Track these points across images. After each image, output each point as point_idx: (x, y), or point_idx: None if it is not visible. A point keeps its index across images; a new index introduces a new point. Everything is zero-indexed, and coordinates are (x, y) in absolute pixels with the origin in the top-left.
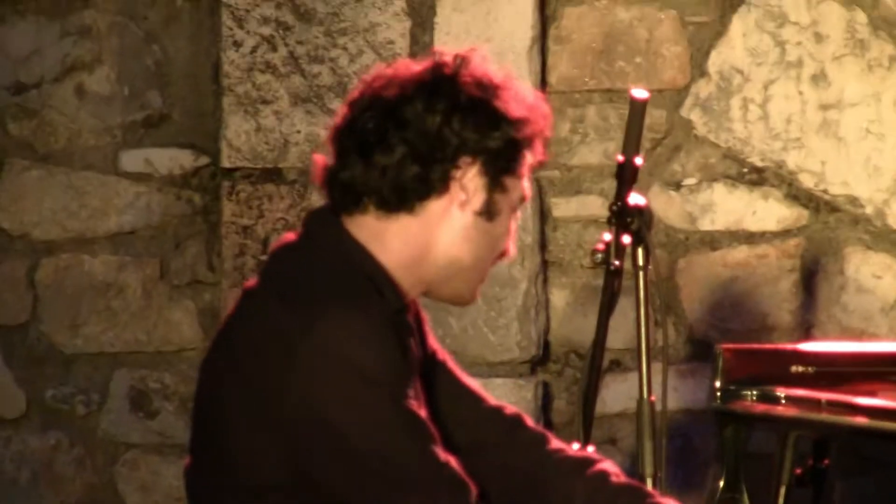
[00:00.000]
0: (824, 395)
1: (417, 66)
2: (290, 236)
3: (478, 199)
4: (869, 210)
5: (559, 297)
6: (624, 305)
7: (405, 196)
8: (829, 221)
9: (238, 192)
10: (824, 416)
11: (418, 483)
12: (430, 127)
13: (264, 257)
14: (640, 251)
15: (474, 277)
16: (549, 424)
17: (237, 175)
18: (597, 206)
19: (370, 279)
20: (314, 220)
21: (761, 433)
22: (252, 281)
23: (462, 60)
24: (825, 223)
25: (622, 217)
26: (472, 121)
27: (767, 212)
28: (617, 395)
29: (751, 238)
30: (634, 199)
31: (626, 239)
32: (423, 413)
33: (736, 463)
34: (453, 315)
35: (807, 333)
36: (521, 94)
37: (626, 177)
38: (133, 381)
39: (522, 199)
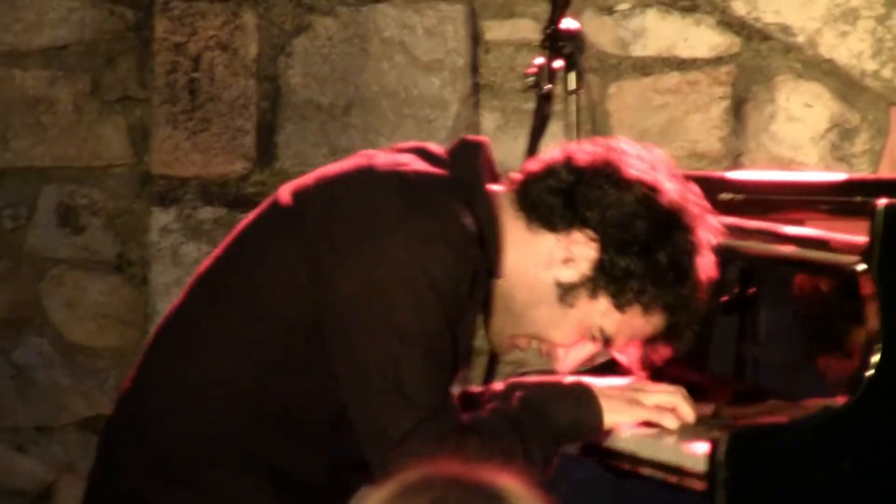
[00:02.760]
0: (752, 224)
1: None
2: (433, 146)
3: (567, 275)
4: (801, 39)
5: (490, 120)
6: (554, 129)
7: (532, 209)
8: (761, 50)
9: (171, 9)
10: (752, 245)
11: (414, 402)
12: (605, 192)
13: (195, 75)
14: (571, 76)
15: (508, 329)
16: None
17: None
18: (529, 29)
19: (482, 233)
20: (465, 149)
21: None
22: (376, 154)
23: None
24: (757, 51)
25: (555, 41)
26: (632, 224)
27: (699, 38)
28: None
29: (682, 64)
30: (567, 23)
31: (558, 63)
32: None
33: None
34: (383, 135)
35: (736, 161)
36: (700, 285)
37: (559, 1)
38: (61, 197)
39: (603, 339)
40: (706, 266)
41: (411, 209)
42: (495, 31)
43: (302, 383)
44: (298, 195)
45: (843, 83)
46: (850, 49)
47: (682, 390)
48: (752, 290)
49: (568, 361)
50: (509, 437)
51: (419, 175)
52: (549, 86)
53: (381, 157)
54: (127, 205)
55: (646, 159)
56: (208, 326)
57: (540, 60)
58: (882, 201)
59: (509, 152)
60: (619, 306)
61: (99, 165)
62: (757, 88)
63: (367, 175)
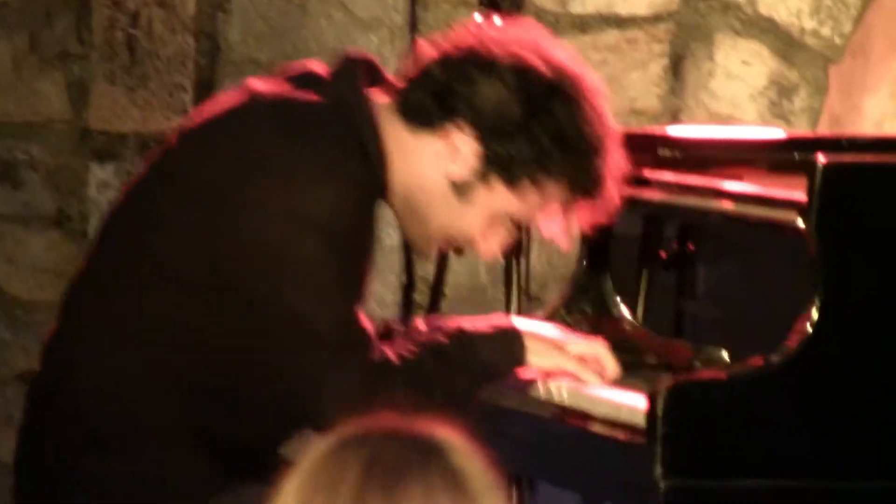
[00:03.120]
0: (691, 180)
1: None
2: (316, 66)
3: (457, 171)
4: None
5: None
6: None
7: (409, 112)
8: (700, 7)
9: None
10: (690, 201)
11: (329, 341)
12: (477, 84)
13: (133, 31)
14: None
15: (422, 231)
16: None
17: None
18: None
19: (365, 150)
20: (345, 67)
21: (627, 216)
22: (261, 86)
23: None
24: (695, 9)
25: None
26: (505, 110)
27: None
28: None
29: (621, 22)
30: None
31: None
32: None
33: (600, 246)
34: None
35: (675, 118)
36: (608, 153)
37: None
38: (0, 152)
39: (515, 220)
40: (597, 124)
41: (294, 148)
42: None
43: (222, 344)
44: (185, 138)
45: (781, 41)
46: (788, 7)
47: (604, 343)
48: (690, 247)
49: (490, 248)
50: (435, 368)
51: (299, 107)
52: None
53: (261, 90)
54: (66, 160)
55: (520, 35)
56: (125, 286)
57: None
58: (822, 158)
59: None
60: (514, 189)
61: (38, 121)
62: (695, 46)
63: (247, 114)
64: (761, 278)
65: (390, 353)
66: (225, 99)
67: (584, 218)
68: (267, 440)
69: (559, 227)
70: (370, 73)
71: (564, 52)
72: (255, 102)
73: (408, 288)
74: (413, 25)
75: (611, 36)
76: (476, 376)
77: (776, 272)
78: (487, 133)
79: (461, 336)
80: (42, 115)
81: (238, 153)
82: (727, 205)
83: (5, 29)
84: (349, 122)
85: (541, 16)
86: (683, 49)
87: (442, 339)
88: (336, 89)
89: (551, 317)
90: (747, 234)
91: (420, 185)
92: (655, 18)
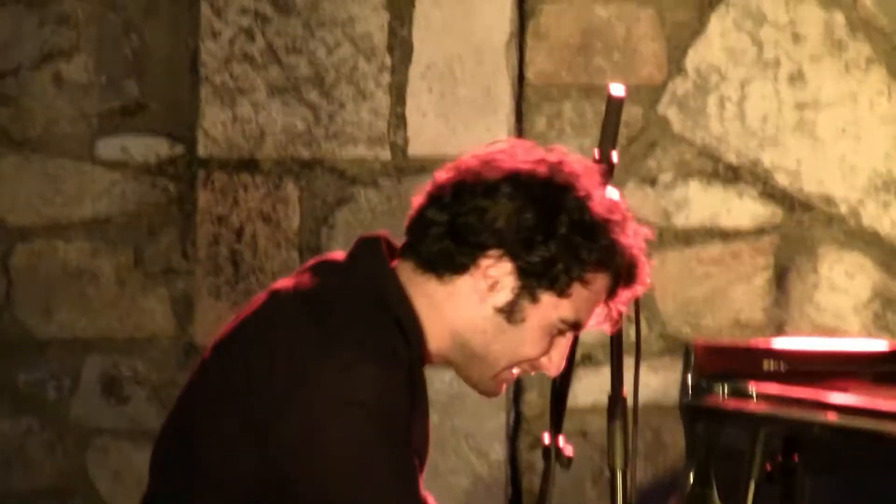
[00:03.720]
0: (795, 392)
1: (525, 158)
2: (334, 254)
3: (501, 298)
4: (843, 209)
5: None
6: None
7: (434, 264)
8: (804, 220)
9: (213, 182)
10: (795, 413)
11: None
12: (481, 208)
13: (238, 246)
14: None
15: (486, 371)
16: (519, 416)
17: (213, 164)
18: None
19: (400, 322)
20: (363, 246)
21: (732, 429)
22: (282, 283)
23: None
24: (799, 222)
25: None
26: (520, 220)
27: (742, 209)
28: (589, 388)
29: (725, 235)
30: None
31: None
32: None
33: (706, 459)
34: None
35: (779, 331)
36: (612, 221)
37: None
38: (105, 368)
39: (573, 325)
40: (604, 203)
41: (326, 340)
42: None
43: None
44: (218, 348)
45: (885, 253)
46: (892, 219)
47: None
48: (795, 459)
49: (555, 364)
50: None
51: (325, 293)
52: None
53: (284, 284)
54: (170, 375)
55: (499, 150)
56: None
57: None
58: None
59: None
60: (563, 293)
61: (142, 337)
62: (799, 258)
63: (275, 310)
64: (868, 491)
65: None
66: (250, 306)
67: (625, 298)
68: None
69: (605, 315)
70: (387, 247)
71: (537, 148)
72: (277, 298)
73: (514, 502)
74: None
75: (715, 249)
76: None
77: (883, 485)
78: (515, 249)
79: None
80: (146, 330)
81: (279, 351)
82: (832, 417)
83: (109, 245)
84: (378, 297)
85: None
86: (788, 261)
87: None
88: (358, 269)
89: None
90: (853, 447)
91: (471, 326)
92: (759, 231)
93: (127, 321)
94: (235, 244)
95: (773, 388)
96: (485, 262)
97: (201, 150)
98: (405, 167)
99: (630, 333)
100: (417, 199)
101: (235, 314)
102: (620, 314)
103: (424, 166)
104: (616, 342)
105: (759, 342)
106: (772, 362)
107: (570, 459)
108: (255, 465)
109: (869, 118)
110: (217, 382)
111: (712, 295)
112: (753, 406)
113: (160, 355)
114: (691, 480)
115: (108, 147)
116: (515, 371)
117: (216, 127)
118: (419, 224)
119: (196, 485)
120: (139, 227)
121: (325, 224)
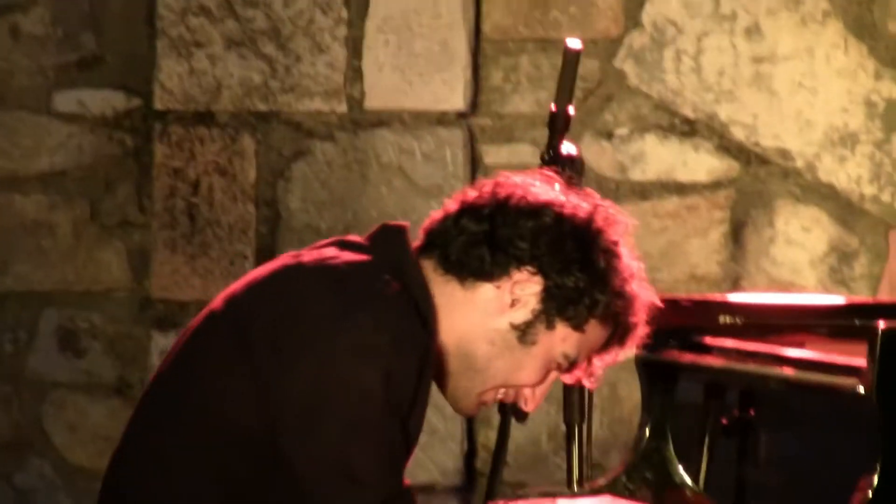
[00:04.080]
0: (752, 346)
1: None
2: (354, 237)
3: (520, 316)
4: (799, 163)
5: None
6: None
7: (460, 266)
8: (760, 174)
9: (170, 135)
10: (751, 367)
11: (367, 485)
12: (523, 226)
13: (194, 199)
14: None
15: (476, 386)
16: None
17: (169, 117)
18: (528, 154)
19: (418, 308)
20: (387, 232)
21: (688, 383)
22: (301, 254)
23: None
24: (755, 175)
25: (554, 166)
26: (562, 245)
27: (698, 163)
28: None
29: (681, 189)
30: (566, 148)
31: None
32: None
33: (662, 413)
34: None
35: (735, 285)
36: (635, 278)
37: (558, 126)
38: (61, 321)
39: (569, 364)
40: (631, 256)
41: (347, 305)
42: (494, 155)
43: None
44: (231, 302)
45: (841, 207)
46: (848, 173)
47: None
48: (752, 413)
49: (535, 401)
50: None
51: (349, 265)
52: None
53: (307, 255)
54: (127, 329)
55: (536, 181)
56: (168, 447)
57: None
58: (882, 324)
59: None
60: (578, 326)
61: (98, 290)
62: (756, 212)
63: (297, 273)
64: (823, 445)
65: None
66: (269, 266)
67: (609, 358)
68: None
69: (584, 369)
70: (408, 237)
71: (578, 193)
72: (299, 262)
73: (469, 455)
74: None
75: (671, 203)
76: None
77: (837, 438)
78: (551, 270)
79: None
80: (103, 283)
81: (297, 313)
82: (788, 371)
83: (66, 198)
84: (400, 278)
85: (601, 183)
86: (744, 215)
87: None
88: (381, 250)
89: (613, 484)
90: (808, 401)
91: (481, 335)
92: (715, 185)
93: (83, 274)
94: (192, 197)
95: (729, 343)
96: (517, 276)
97: (158, 103)
98: (361, 120)
99: None
100: (448, 207)
101: (193, 267)
102: (596, 374)
103: (381, 119)
104: None
105: (715, 296)
106: (728, 317)
107: (525, 414)
108: (251, 418)
109: (825, 72)
110: (227, 332)
111: (668, 249)
112: (709, 360)
113: (116, 308)
114: (647, 434)
115: (65, 100)
116: (500, 395)
117: (172, 80)
118: (449, 229)
119: (182, 429)
120: (96, 180)
121: (281, 177)
